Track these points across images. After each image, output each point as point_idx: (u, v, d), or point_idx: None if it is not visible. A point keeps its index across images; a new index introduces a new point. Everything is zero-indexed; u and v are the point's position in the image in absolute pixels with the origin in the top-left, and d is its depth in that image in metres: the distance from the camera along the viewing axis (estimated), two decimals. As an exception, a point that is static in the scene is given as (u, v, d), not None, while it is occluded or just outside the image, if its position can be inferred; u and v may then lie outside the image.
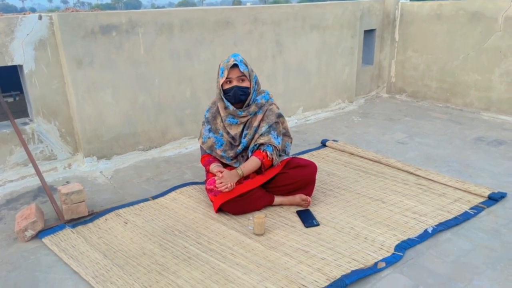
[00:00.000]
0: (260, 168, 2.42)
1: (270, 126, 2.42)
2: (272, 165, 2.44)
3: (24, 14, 3.38)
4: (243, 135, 2.47)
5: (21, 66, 2.86)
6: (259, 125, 2.45)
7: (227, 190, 2.30)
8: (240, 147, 2.47)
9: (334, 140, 3.52)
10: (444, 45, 4.48)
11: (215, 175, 2.47)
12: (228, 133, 2.48)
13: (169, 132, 3.49)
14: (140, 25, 3.12)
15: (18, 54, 2.80)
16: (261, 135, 2.41)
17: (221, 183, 2.31)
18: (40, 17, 2.84)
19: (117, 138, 3.24)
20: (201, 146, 2.57)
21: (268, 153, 2.39)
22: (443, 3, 4.49)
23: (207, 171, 2.54)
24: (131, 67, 3.16)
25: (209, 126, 2.51)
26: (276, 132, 2.44)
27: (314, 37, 4.16)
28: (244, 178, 2.45)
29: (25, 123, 3.01)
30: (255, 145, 2.42)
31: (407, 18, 4.77)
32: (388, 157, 3.16)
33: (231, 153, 2.49)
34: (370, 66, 5.02)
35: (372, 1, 4.80)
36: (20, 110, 3.41)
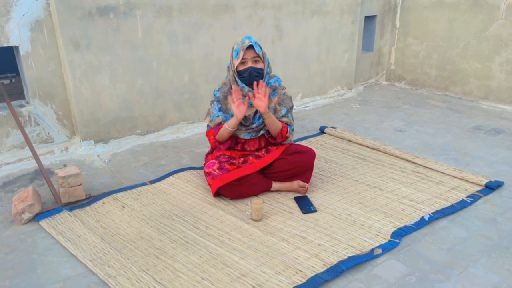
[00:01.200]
0: (274, 136, 2.49)
1: (288, 110, 2.52)
2: (282, 143, 2.52)
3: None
4: (257, 116, 2.47)
5: (17, 48, 2.82)
6: (275, 108, 2.48)
7: (263, 105, 2.28)
8: (255, 126, 2.47)
9: (332, 127, 3.51)
10: (445, 32, 4.44)
11: (214, 158, 2.46)
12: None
13: (167, 117, 3.47)
14: (138, 7, 3.06)
15: (14, 35, 2.75)
16: (282, 116, 2.49)
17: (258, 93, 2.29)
18: (36, -3, 2.78)
19: (115, 122, 3.22)
20: (208, 125, 2.53)
21: (289, 129, 2.49)
22: (445, -10, 4.44)
23: (213, 146, 2.50)
24: (129, 50, 3.12)
25: (219, 105, 2.48)
26: (291, 115, 2.55)
27: (314, 23, 4.12)
28: (242, 162, 2.46)
29: (21, 106, 2.98)
30: None
31: (408, 4, 4.71)
32: (386, 144, 3.16)
33: (242, 128, 2.48)
34: (370, 53, 4.97)
35: (373, -13, 4.74)
36: (16, 92, 3.38)
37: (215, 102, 2.49)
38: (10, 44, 2.76)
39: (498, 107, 4.06)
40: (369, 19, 4.81)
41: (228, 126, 2.38)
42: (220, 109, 2.48)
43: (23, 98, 3.12)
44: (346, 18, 4.34)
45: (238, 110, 2.32)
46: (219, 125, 2.46)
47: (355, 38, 4.53)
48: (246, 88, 2.38)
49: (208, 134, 2.50)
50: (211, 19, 3.43)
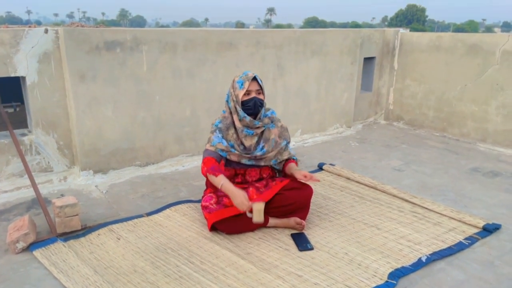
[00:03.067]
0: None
1: (287, 143, 2.64)
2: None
3: (30, 26, 3.45)
4: (259, 147, 2.51)
5: (24, 78, 2.89)
6: (276, 140, 2.57)
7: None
8: (259, 155, 2.51)
9: (331, 164, 3.53)
10: (442, 75, 4.56)
11: (212, 192, 2.47)
12: (240, 144, 2.49)
13: (167, 149, 3.50)
14: (144, 42, 3.17)
15: (22, 66, 2.83)
16: (284, 150, 2.62)
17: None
18: (46, 31, 2.88)
19: (115, 152, 3.24)
20: (206, 150, 2.44)
21: (296, 161, 2.65)
22: (442, 35, 4.60)
23: (211, 174, 2.32)
24: (133, 84, 3.20)
25: (221, 134, 2.47)
26: (290, 145, 2.69)
27: (314, 62, 4.23)
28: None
29: (23, 134, 3.02)
30: (281, 161, 2.62)
31: (406, 48, 4.86)
32: (384, 183, 3.16)
33: (245, 155, 2.50)
34: (369, 92, 5.08)
35: (372, 30, 4.91)
36: (20, 121, 3.43)
37: (217, 131, 2.48)
38: (17, 75, 2.83)
39: (495, 150, 4.10)
40: (368, 61, 4.95)
41: (222, 185, 2.28)
42: (222, 137, 2.48)
43: (26, 127, 3.16)
44: (345, 59, 4.47)
45: (236, 205, 2.25)
46: (216, 158, 2.40)
47: (354, 78, 4.64)
48: (248, 118, 2.43)
49: (206, 165, 2.36)
50: (215, 56, 3.53)
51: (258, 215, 2.22)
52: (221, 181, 2.30)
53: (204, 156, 2.44)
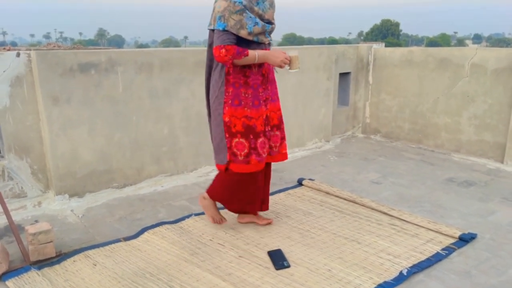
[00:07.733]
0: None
1: None
2: None
3: (4, 48, 3.39)
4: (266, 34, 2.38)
5: (-5, 102, 2.83)
6: None
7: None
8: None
9: (310, 179, 3.55)
10: (415, 88, 4.68)
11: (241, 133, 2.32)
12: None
13: (145, 170, 3.46)
14: (119, 63, 3.16)
15: (-7, 90, 2.78)
16: None
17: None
18: (18, 55, 2.84)
19: (91, 175, 3.18)
20: (225, 34, 2.13)
21: None
22: (413, 50, 4.73)
23: (242, 57, 2.17)
24: (109, 105, 3.17)
25: (251, 14, 2.17)
26: None
27: (291, 79, 4.29)
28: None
29: (-5, 160, 2.94)
30: None
31: (380, 63, 4.98)
32: (363, 196, 3.20)
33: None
34: (346, 107, 5.17)
35: (346, 46, 5.02)
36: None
37: (246, 11, 2.12)
38: (-12, 99, 2.78)
39: (469, 159, 4.21)
40: (344, 76, 5.05)
41: (258, 56, 2.19)
42: (254, 17, 2.17)
43: (-2, 152, 3.08)
44: (321, 74, 4.55)
45: (276, 60, 2.24)
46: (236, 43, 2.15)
47: (331, 93, 4.71)
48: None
49: (228, 50, 2.12)
50: (191, 75, 3.54)
51: (296, 63, 2.31)
52: (255, 53, 2.19)
53: (224, 42, 2.12)
